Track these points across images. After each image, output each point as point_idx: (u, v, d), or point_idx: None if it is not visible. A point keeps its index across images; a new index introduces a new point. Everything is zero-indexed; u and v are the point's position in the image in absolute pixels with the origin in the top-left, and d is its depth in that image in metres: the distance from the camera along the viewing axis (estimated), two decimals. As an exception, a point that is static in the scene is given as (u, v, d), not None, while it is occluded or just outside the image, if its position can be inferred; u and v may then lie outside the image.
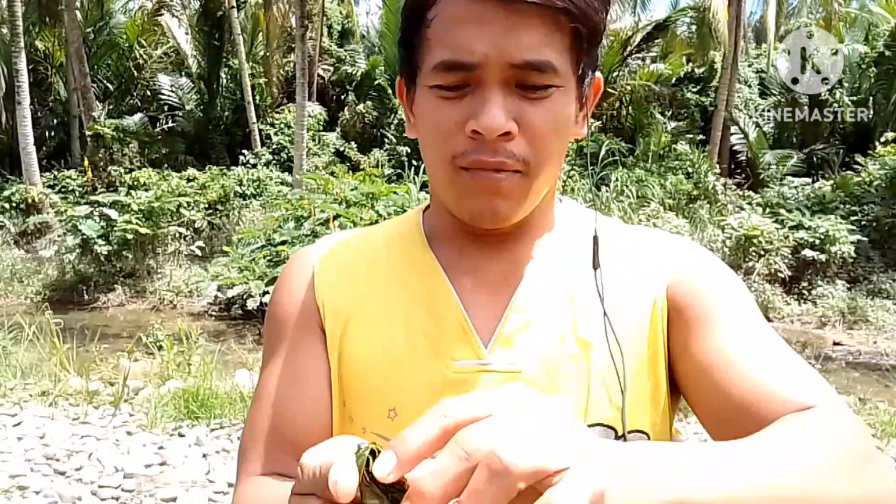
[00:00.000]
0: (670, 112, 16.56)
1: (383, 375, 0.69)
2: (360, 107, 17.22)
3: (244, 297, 8.29)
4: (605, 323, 0.67)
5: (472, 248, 0.72)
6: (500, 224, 0.67)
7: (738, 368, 0.60)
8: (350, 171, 12.68)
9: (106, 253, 10.13)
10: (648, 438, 0.67)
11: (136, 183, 12.61)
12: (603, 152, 13.53)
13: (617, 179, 12.12)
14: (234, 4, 16.75)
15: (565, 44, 0.62)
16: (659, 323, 0.68)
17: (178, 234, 11.14)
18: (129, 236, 10.04)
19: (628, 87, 15.88)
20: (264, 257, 8.58)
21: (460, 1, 0.61)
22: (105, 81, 17.53)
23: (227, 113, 17.87)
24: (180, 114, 17.63)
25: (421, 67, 0.65)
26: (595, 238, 0.70)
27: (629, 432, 0.66)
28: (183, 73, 18.34)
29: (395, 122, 16.43)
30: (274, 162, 15.97)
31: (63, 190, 14.02)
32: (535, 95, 0.62)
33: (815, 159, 14.66)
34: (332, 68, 19.16)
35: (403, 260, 0.74)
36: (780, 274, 9.25)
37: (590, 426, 0.65)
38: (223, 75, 17.78)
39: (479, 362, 0.67)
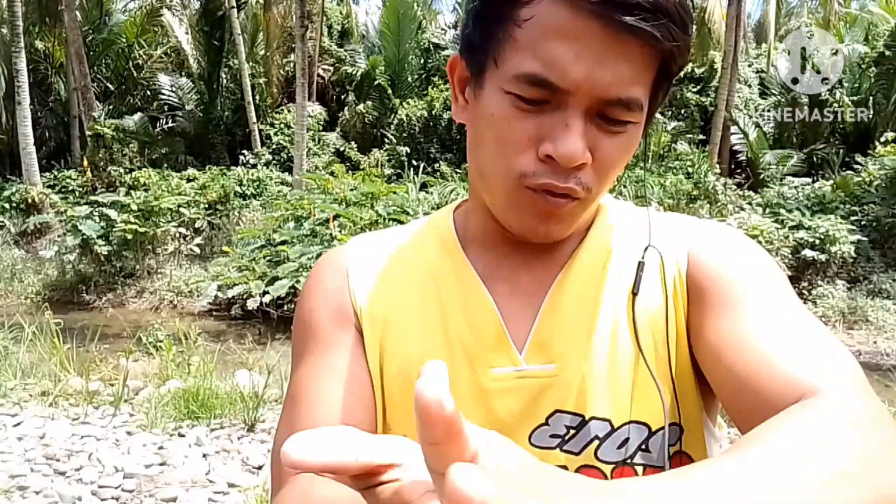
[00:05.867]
0: (670, 112, 16.57)
1: None
2: (360, 107, 17.23)
3: (244, 297, 8.29)
4: (634, 339, 0.67)
5: (508, 253, 0.71)
6: (548, 242, 0.67)
7: (748, 345, 0.58)
8: (350, 171, 12.69)
9: (106, 253, 10.13)
10: (682, 431, 0.67)
11: (136, 183, 12.61)
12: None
13: (617, 179, 12.11)
14: (235, 4, 16.76)
15: (650, 80, 0.60)
16: (681, 306, 0.67)
17: (178, 234, 11.14)
18: (129, 236, 10.04)
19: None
20: (264, 257, 8.59)
21: (562, 11, 0.57)
22: (105, 81, 17.54)
23: (227, 113, 17.88)
24: (180, 114, 17.64)
25: (499, 65, 0.61)
26: (641, 263, 0.69)
27: (663, 428, 0.66)
28: (183, 73, 18.36)
29: (395, 122, 16.44)
30: (274, 162, 15.98)
31: (63, 190, 14.03)
32: (613, 129, 0.60)
33: (815, 159, 14.65)
34: (332, 68, 19.17)
35: (438, 266, 0.72)
36: (780, 274, 9.24)
37: (625, 424, 0.65)
38: (223, 75, 17.79)
39: (515, 369, 0.67)
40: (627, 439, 0.65)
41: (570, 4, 0.56)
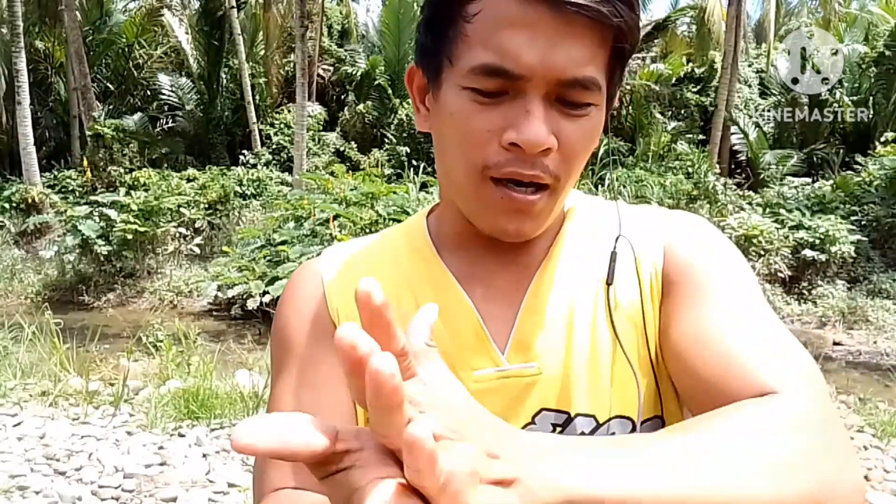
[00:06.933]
0: (670, 112, 16.57)
1: None
2: (360, 107, 17.23)
3: (244, 297, 8.28)
4: (611, 328, 0.67)
5: (483, 255, 0.71)
6: (522, 240, 0.67)
7: (709, 345, 0.59)
8: (350, 171, 12.68)
9: (106, 253, 10.13)
10: (663, 423, 0.67)
11: (136, 183, 12.62)
12: (602, 151, 13.54)
13: (616, 179, 12.13)
14: (234, 4, 16.76)
15: (605, 60, 0.61)
16: (657, 301, 0.68)
17: (178, 234, 11.15)
18: (129, 236, 10.05)
19: (628, 87, 15.88)
20: (264, 257, 8.58)
21: (509, 0, 0.58)
22: (105, 81, 17.54)
23: (227, 113, 17.88)
24: (180, 114, 17.64)
25: (454, 63, 0.61)
26: (613, 254, 0.69)
27: (645, 420, 0.66)
28: (183, 73, 18.35)
29: (395, 122, 16.44)
30: (274, 162, 15.98)
31: (63, 190, 14.02)
32: (575, 112, 0.61)
33: (815, 159, 14.66)
34: (332, 68, 19.17)
35: (413, 271, 0.72)
36: (780, 274, 9.25)
37: (609, 419, 0.66)
38: (223, 75, 17.79)
39: (497, 370, 0.66)
40: (613, 434, 0.66)
41: None
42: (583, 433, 0.65)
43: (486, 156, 0.61)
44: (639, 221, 0.72)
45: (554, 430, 0.66)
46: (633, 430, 0.66)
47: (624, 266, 0.69)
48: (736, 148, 15.46)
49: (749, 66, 17.84)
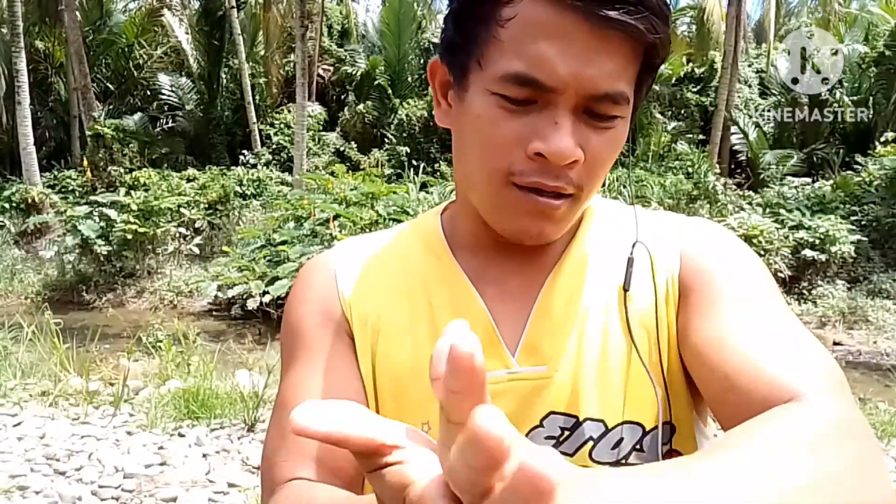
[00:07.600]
0: (670, 112, 16.57)
1: (416, 389, 0.67)
2: (360, 107, 17.23)
3: (244, 297, 8.29)
4: (627, 334, 0.67)
5: (497, 256, 0.70)
6: (542, 243, 0.66)
7: (731, 345, 0.58)
8: (350, 171, 12.69)
9: (106, 253, 10.13)
10: (674, 430, 0.67)
11: (136, 183, 12.62)
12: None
13: (617, 179, 12.13)
14: (235, 4, 16.77)
15: (634, 73, 0.60)
16: (672, 307, 0.67)
17: (178, 234, 11.15)
18: (129, 236, 10.05)
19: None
20: (264, 257, 8.58)
21: (545, 8, 0.57)
22: (105, 81, 17.54)
23: (227, 113, 17.88)
24: (180, 114, 17.64)
25: (483, 67, 0.60)
26: (630, 259, 0.69)
27: (654, 427, 0.66)
28: (183, 73, 18.35)
29: (395, 122, 16.44)
30: (274, 162, 15.99)
31: (63, 190, 14.03)
32: (602, 125, 0.60)
33: (815, 159, 14.66)
34: (332, 68, 19.18)
35: (426, 269, 0.72)
36: (780, 274, 9.25)
37: (619, 424, 0.65)
38: (223, 75, 17.79)
39: (507, 372, 0.66)
40: (622, 440, 0.65)
41: (552, 1, 0.56)
42: (591, 438, 0.65)
43: (510, 163, 0.61)
44: (655, 227, 0.72)
45: (562, 434, 0.65)
46: (644, 435, 0.66)
47: (640, 272, 0.68)
48: (736, 148, 15.46)
49: (749, 66, 17.84)
